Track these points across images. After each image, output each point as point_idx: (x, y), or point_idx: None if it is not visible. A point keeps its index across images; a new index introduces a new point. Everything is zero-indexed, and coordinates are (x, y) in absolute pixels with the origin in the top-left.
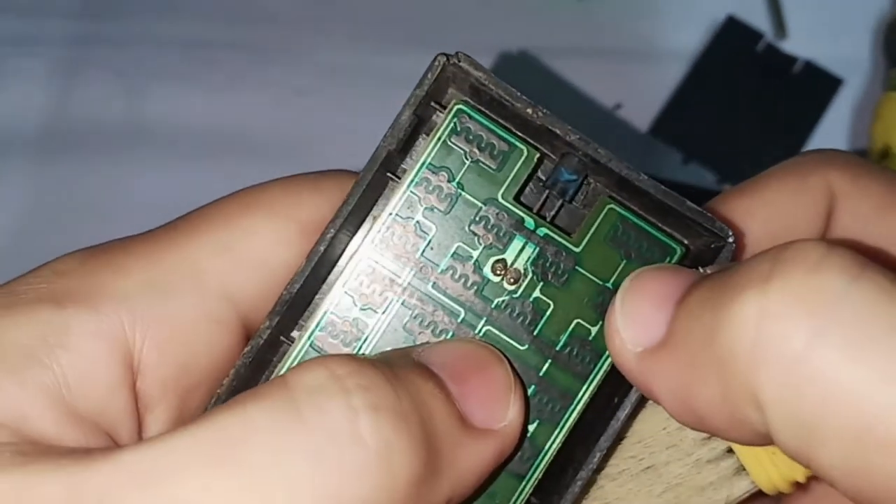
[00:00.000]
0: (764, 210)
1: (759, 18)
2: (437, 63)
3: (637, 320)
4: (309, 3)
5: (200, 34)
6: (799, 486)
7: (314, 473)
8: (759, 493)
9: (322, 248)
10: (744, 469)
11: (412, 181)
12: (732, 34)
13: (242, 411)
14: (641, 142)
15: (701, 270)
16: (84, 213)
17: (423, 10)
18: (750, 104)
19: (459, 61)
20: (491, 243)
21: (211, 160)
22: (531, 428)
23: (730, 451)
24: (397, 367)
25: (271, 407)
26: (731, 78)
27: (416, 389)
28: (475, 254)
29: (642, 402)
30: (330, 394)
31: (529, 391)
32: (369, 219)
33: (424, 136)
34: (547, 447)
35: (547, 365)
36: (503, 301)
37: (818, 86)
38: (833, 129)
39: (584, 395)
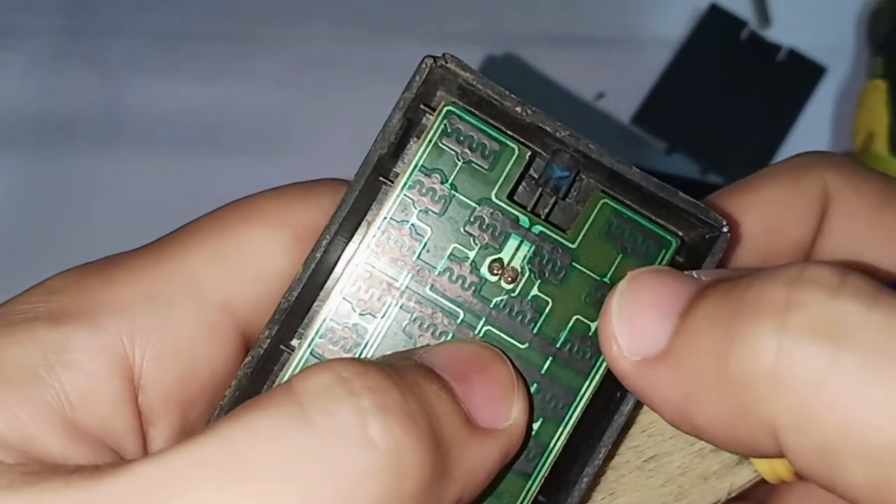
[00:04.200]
0: (759, 208)
1: (742, 6)
2: (424, 65)
3: (636, 328)
4: None
5: (180, 26)
6: (800, 477)
7: (325, 476)
8: (762, 482)
9: (319, 255)
10: (747, 458)
11: (405, 184)
12: (715, 22)
13: (249, 419)
14: (624, 131)
15: (695, 275)
16: (65, 204)
17: None
18: (733, 93)
19: (447, 62)
20: (487, 243)
21: (191, 151)
22: (535, 426)
23: None
24: (401, 369)
25: (277, 413)
26: (714, 66)
27: (421, 390)
28: (471, 254)
29: None
30: (337, 396)
31: (532, 389)
32: (364, 224)
33: (415, 138)
34: (552, 445)
35: (548, 362)
36: (502, 300)
37: (802, 74)
38: (816, 117)
39: (587, 391)
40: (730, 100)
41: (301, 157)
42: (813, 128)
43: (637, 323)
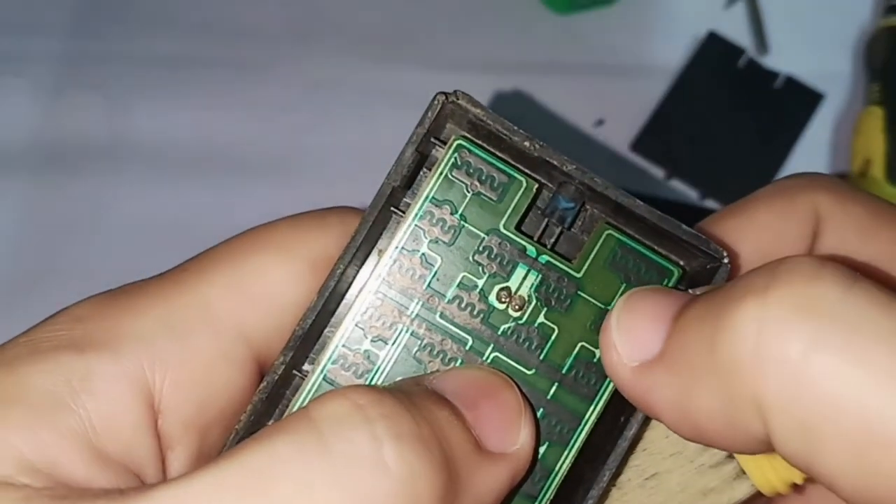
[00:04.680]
0: (752, 231)
1: (740, 34)
2: (436, 102)
3: (633, 336)
4: (292, 19)
5: (185, 51)
6: (796, 488)
7: (343, 501)
8: (758, 495)
9: (333, 284)
10: (744, 473)
11: (416, 215)
12: (714, 50)
13: (269, 444)
14: (623, 158)
15: (690, 292)
16: (71, 230)
17: (406, 25)
18: (732, 119)
19: (458, 99)
20: (495, 272)
21: (197, 175)
22: (541, 450)
23: (730, 456)
24: (413, 395)
25: (296, 439)
26: (712, 93)
27: (433, 417)
28: (480, 283)
29: (648, 419)
30: (354, 423)
31: (539, 414)
32: (376, 253)
33: (426, 170)
34: (557, 468)
35: (554, 388)
36: (509, 328)
37: (799, 100)
38: (814, 143)
39: (592, 415)
40: (728, 126)
41: (307, 180)
42: (810, 154)
43: (634, 332)
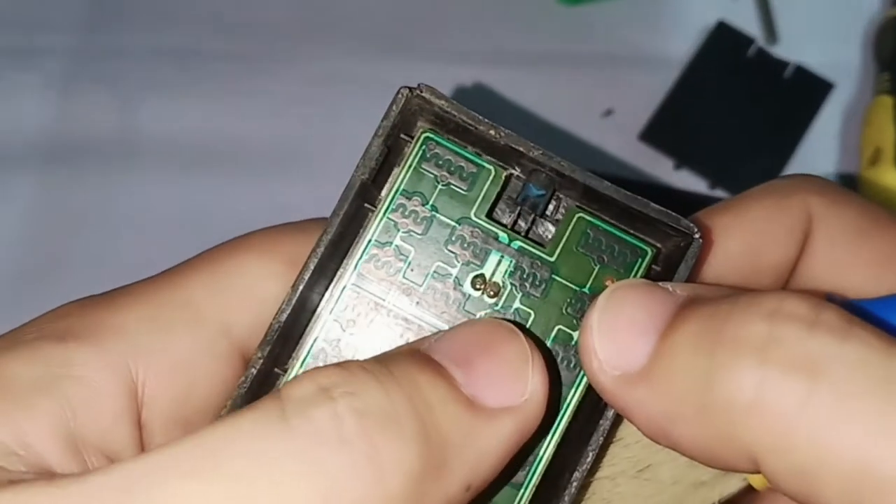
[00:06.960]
0: (743, 228)
1: (749, 24)
2: (400, 96)
3: (616, 344)
4: (302, 12)
5: (194, 45)
6: None
7: (301, 477)
8: (749, 489)
9: (307, 276)
10: None
11: (388, 208)
12: (723, 39)
13: (231, 422)
14: (633, 148)
15: (671, 288)
16: (82, 225)
17: (414, 17)
18: (741, 109)
19: (422, 92)
20: (468, 260)
21: (206, 170)
22: None
23: None
24: (394, 364)
25: (260, 417)
26: (722, 83)
27: (411, 384)
28: (454, 271)
29: None
30: (316, 402)
31: None
32: (351, 248)
33: (398, 164)
34: (541, 454)
35: None
36: (485, 314)
37: (809, 90)
38: (824, 133)
39: (573, 399)
40: (737, 115)
41: (317, 174)
42: (820, 143)
43: (617, 338)
